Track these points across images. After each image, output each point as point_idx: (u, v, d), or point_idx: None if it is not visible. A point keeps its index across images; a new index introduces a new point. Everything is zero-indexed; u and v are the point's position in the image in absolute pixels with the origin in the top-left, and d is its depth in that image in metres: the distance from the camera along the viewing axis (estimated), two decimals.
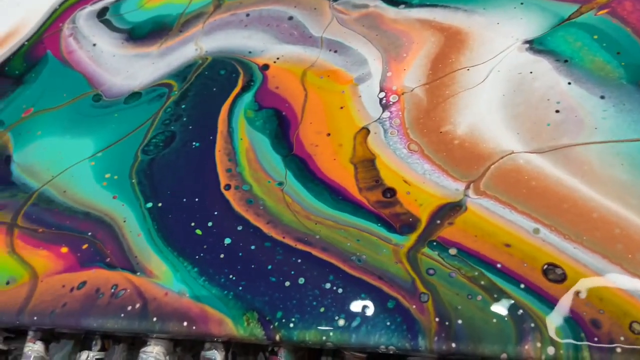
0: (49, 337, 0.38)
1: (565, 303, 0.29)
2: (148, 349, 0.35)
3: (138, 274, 0.35)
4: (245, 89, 0.41)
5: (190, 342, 0.41)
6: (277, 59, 0.42)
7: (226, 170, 0.38)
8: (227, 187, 0.37)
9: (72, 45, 0.47)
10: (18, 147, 0.42)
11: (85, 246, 0.37)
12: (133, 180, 0.39)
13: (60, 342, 0.40)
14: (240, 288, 0.33)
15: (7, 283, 0.36)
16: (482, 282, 0.30)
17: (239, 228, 0.35)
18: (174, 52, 0.45)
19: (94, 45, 0.46)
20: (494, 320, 0.29)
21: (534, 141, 0.34)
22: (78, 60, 0.46)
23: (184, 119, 0.41)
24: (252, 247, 0.34)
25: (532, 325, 0.28)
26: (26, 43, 0.48)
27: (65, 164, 0.41)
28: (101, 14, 0.48)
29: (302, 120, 0.39)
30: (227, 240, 0.35)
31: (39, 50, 0.47)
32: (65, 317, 0.34)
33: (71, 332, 0.40)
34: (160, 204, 0.37)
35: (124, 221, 0.37)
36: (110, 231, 0.37)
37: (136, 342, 0.41)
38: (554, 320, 0.29)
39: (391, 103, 0.38)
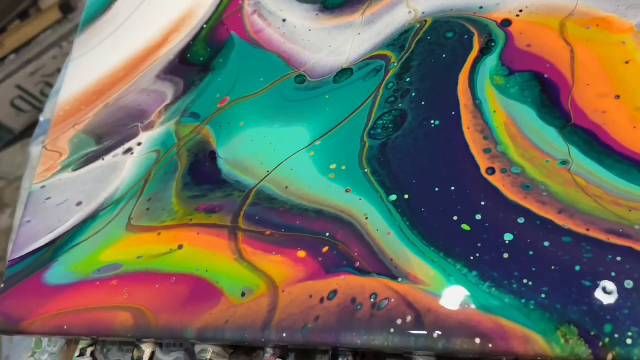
0: (284, 353, 0.35)
1: None
2: None
3: (400, 280, 0.31)
4: (484, 51, 0.36)
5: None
6: (520, 11, 0.37)
7: (484, 151, 0.33)
8: (491, 170, 0.32)
9: (258, 23, 0.44)
10: (221, 141, 0.40)
11: (325, 249, 0.33)
12: (366, 170, 0.35)
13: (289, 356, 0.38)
14: (544, 296, 0.28)
15: (243, 295, 0.33)
16: None
17: (521, 220, 0.30)
18: (381, 18, 0.40)
19: (284, 21, 0.43)
20: None
21: None
22: (269, 40, 0.43)
23: (413, 95, 0.36)
24: (546, 244, 0.29)
25: None
26: (205, 26, 0.46)
27: (280, 156, 0.38)
28: None
29: (574, 82, 0.33)
30: (508, 237, 0.30)
31: (222, 33, 0.45)
32: (320, 333, 0.31)
33: (299, 347, 0.37)
34: (406, 196, 0.33)
35: (366, 218, 0.33)
36: (352, 230, 0.33)
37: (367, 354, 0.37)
38: None
39: None
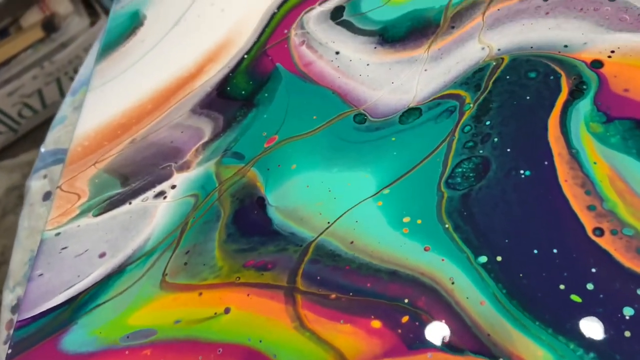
0: None
1: None
2: None
3: None
4: (575, 95, 0.33)
5: None
6: (612, 52, 0.34)
7: (587, 208, 0.30)
8: (598, 231, 0.29)
9: (308, 55, 0.41)
10: (271, 186, 0.36)
11: (405, 319, 0.29)
12: (447, 225, 0.31)
13: None
14: None
15: None
16: None
17: None
18: (451, 53, 0.37)
19: (337, 53, 0.40)
20: None
21: None
22: (321, 73, 0.40)
23: (495, 140, 0.33)
24: None
25: None
26: (246, 56, 0.42)
27: (342, 205, 0.34)
28: (336, 15, 0.42)
29: None
30: (628, 311, 0.27)
31: (265, 64, 0.42)
32: None
33: None
34: (499, 258, 0.30)
35: (452, 283, 0.29)
36: (436, 297, 0.29)
37: None
38: None
39: None
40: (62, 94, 1.30)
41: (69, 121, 0.61)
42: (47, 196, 0.57)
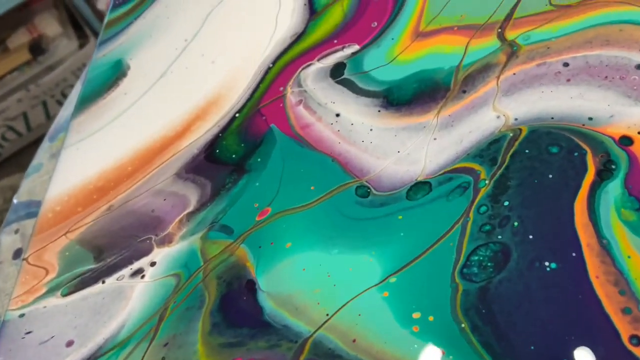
0: None
1: None
2: None
3: None
4: (603, 175, 0.30)
5: None
6: None
7: (622, 311, 0.26)
8: (635, 340, 0.26)
9: (305, 116, 0.38)
10: (262, 267, 0.32)
11: None
12: (463, 325, 0.28)
13: None
14: None
15: None
16: None
17: None
18: (462, 121, 0.35)
19: (338, 115, 0.37)
20: None
21: None
22: (319, 138, 0.37)
23: (515, 224, 0.30)
24: None
25: None
26: (237, 115, 0.39)
27: (343, 294, 0.30)
28: (336, 73, 0.39)
29: None
30: None
31: (259, 125, 0.38)
32: None
33: None
34: None
35: None
36: None
37: None
38: None
39: None
40: (48, 117, 1.28)
41: (45, 169, 0.57)
42: (17, 254, 0.53)
